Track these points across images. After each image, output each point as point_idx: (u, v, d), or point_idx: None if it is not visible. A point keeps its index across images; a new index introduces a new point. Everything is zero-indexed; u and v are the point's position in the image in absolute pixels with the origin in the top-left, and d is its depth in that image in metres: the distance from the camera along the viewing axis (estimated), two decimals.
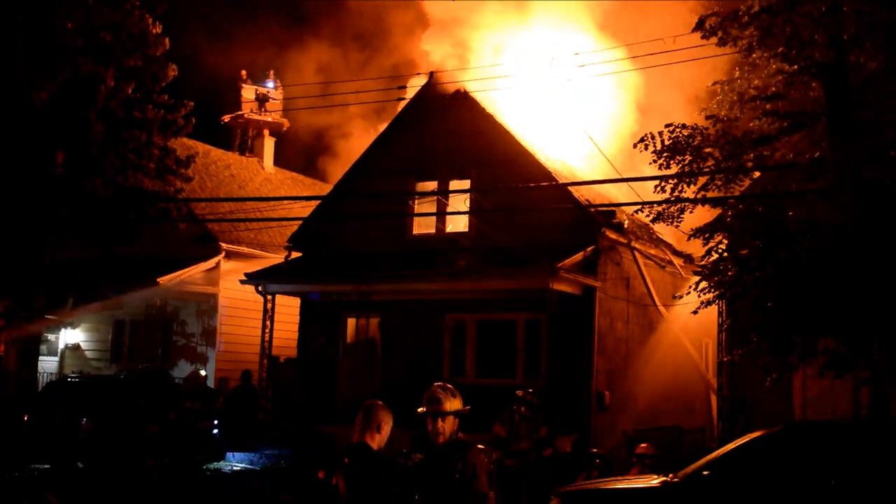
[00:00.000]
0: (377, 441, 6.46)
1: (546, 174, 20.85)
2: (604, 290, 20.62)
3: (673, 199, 14.11)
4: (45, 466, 18.67)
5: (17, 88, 20.25)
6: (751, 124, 14.19)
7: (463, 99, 22.46)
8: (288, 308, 24.34)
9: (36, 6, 20.42)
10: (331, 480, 6.18)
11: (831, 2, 12.30)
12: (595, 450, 14.47)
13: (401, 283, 21.23)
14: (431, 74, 23.28)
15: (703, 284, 14.56)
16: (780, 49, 12.90)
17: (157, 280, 25.40)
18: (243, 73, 35.29)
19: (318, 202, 25.25)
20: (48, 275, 21.97)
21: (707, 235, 14.43)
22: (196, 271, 26.65)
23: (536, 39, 24.51)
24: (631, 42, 22.05)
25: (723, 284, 14.27)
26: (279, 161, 35.41)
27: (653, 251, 22.63)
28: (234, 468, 20.24)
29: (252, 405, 22.64)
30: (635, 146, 14.38)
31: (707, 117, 14.26)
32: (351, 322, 23.30)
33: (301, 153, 42.47)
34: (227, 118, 35.43)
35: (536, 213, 19.90)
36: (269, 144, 34.39)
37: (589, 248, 20.11)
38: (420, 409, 6.88)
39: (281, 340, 24.27)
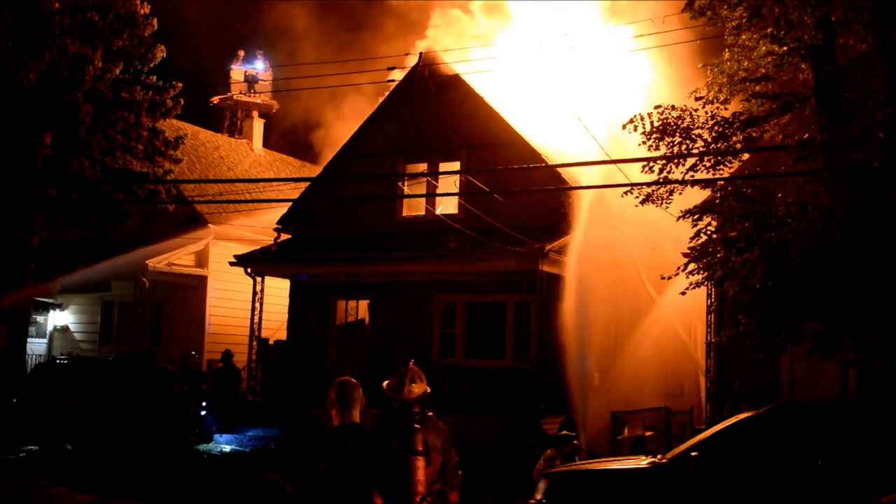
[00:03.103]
0: (358, 417, 6.39)
1: (535, 156, 20.82)
2: (593, 272, 20.60)
3: (661, 180, 14.10)
4: (34, 448, 18.67)
5: (4, 68, 20.12)
6: (740, 106, 14.18)
7: (453, 81, 22.38)
8: (277, 290, 24.32)
9: None
10: (339, 467, 5.99)
11: None
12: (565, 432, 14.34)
13: (390, 264, 21.24)
14: (421, 55, 23.18)
15: (692, 266, 14.58)
16: (769, 30, 12.84)
17: (146, 262, 25.36)
18: (240, 52, 35.19)
19: (307, 184, 25.18)
20: (36, 256, 21.91)
21: (696, 217, 14.44)
22: (185, 253, 26.63)
23: (528, 22, 24.41)
24: (622, 23, 21.98)
25: (711, 266, 14.29)
26: (268, 143, 35.38)
27: (642, 233, 22.61)
28: (223, 450, 20.26)
29: (234, 386, 22.63)
30: (624, 127, 14.36)
31: (696, 99, 14.24)
32: (340, 304, 23.28)
33: (291, 135, 42.36)
34: (216, 100, 35.31)
35: (526, 195, 19.88)
36: (258, 126, 34.28)
37: (578, 231, 20.09)
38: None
39: (270, 322, 24.26)
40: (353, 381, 6.43)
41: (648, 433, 14.53)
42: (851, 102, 12.52)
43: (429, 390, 7.19)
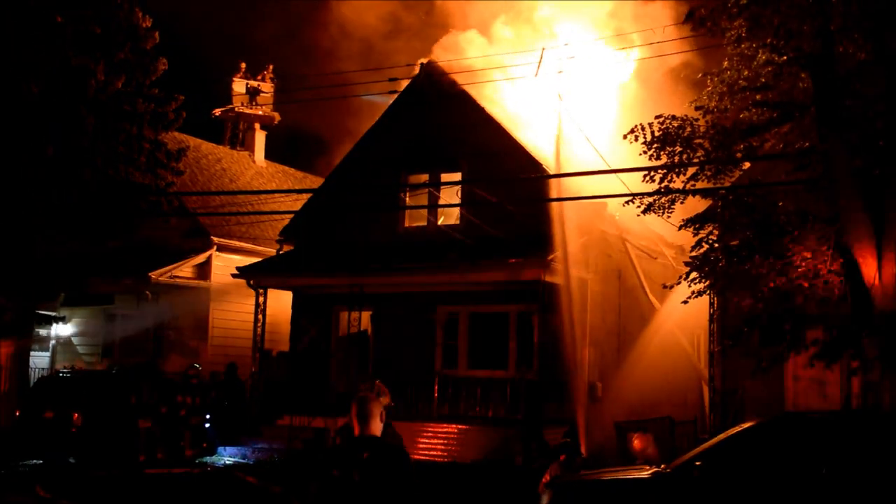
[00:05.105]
0: (379, 431, 6.45)
1: (537, 166, 20.83)
2: (595, 282, 20.62)
3: (663, 189, 14.12)
4: (37, 462, 18.65)
5: (7, 80, 20.16)
6: (740, 115, 14.20)
7: (454, 91, 22.40)
8: (280, 301, 24.32)
9: None
10: (352, 476, 6.05)
11: None
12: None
13: (393, 275, 21.23)
14: (423, 66, 23.22)
15: (694, 275, 14.58)
16: (769, 40, 12.90)
17: (149, 274, 25.35)
18: (242, 65, 35.20)
19: (309, 195, 25.20)
20: (39, 269, 21.91)
21: (697, 226, 14.45)
22: (188, 265, 26.62)
23: (530, 32, 24.48)
24: (622, 33, 22.05)
25: (713, 274, 14.29)
26: (270, 154, 35.35)
27: (644, 242, 22.62)
28: (227, 462, 20.23)
29: (239, 398, 22.59)
30: (625, 137, 14.39)
31: (696, 108, 14.27)
32: (343, 315, 23.27)
33: (292, 146, 42.35)
34: (217, 112, 35.31)
35: (528, 205, 19.89)
36: (259, 138, 34.30)
37: (580, 241, 20.11)
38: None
39: (273, 334, 24.24)
40: (372, 395, 6.66)
41: (652, 443, 14.46)
42: (851, 111, 12.54)
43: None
